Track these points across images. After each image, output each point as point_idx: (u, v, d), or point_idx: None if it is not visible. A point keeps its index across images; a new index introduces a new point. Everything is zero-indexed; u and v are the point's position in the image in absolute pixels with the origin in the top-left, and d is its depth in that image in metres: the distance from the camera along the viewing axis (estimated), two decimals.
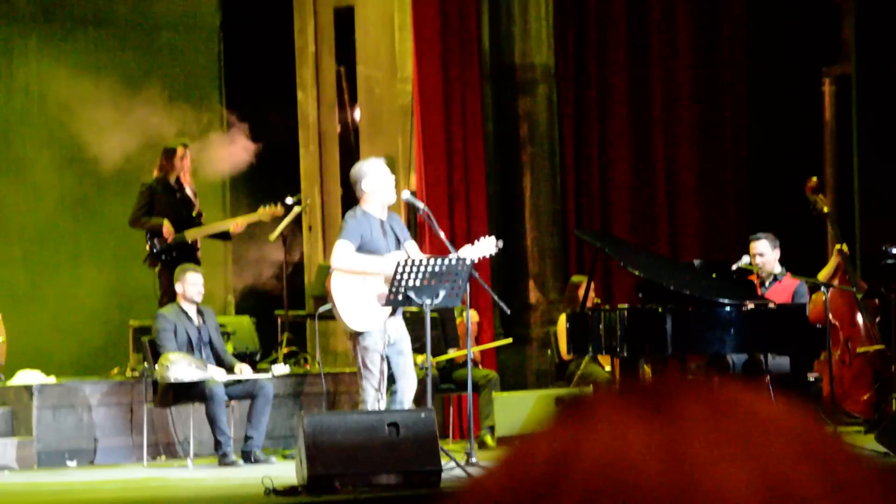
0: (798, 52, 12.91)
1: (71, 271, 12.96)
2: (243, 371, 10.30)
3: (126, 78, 13.02)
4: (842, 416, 10.57)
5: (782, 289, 10.20)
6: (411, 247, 9.20)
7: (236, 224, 11.65)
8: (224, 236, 11.81)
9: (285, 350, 11.83)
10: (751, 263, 10.16)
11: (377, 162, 9.23)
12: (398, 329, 9.14)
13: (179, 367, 10.05)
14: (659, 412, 1.20)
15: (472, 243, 9.24)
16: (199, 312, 10.51)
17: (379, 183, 9.06)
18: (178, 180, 11.60)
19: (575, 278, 11.93)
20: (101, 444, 10.78)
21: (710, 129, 13.07)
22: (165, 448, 10.84)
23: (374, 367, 8.98)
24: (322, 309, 9.45)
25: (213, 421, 10.04)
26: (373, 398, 8.98)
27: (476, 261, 9.05)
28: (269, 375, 10.34)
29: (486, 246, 9.12)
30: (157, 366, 10.14)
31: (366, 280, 8.95)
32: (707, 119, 13.06)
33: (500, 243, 9.17)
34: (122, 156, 12.25)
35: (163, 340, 10.27)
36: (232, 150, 12.14)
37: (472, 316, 10.77)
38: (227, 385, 10.20)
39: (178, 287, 10.49)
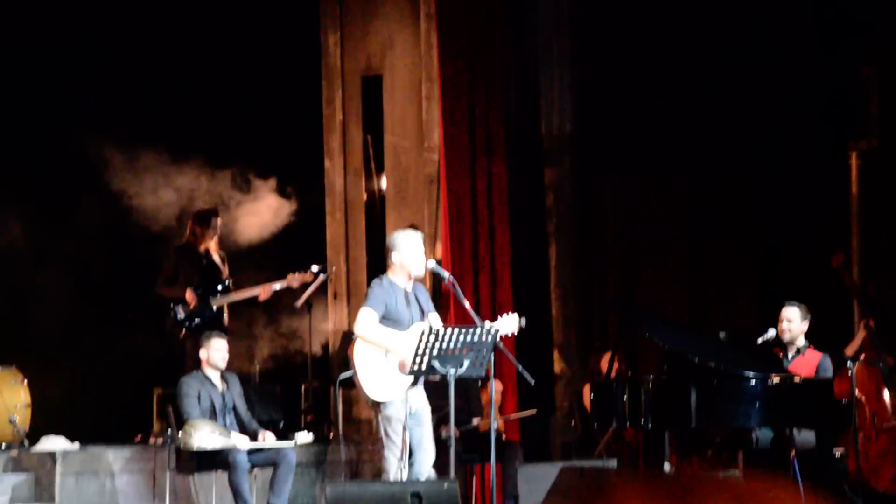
0: (825, 126, 12.92)
1: (96, 337, 12.99)
2: (266, 438, 10.29)
3: (159, 143, 13.11)
4: (868, 491, 10.48)
5: (805, 362, 10.15)
6: (435, 318, 9.21)
7: (264, 290, 11.68)
8: (252, 302, 11.83)
9: (308, 418, 11.81)
10: (776, 336, 10.11)
11: (412, 236, 9.25)
12: (419, 400, 9.14)
13: (203, 435, 10.04)
14: None
15: (497, 318, 9.23)
16: (224, 379, 10.52)
17: (410, 256, 9.12)
18: (205, 247, 11.66)
19: (599, 348, 11.92)
20: None
21: (736, 201, 13.07)
22: None
23: (397, 437, 8.97)
24: (343, 375, 9.46)
25: (235, 489, 10.02)
26: (395, 468, 8.97)
27: (500, 339, 9.06)
28: (292, 443, 10.33)
29: (510, 323, 9.13)
30: (180, 433, 10.14)
31: (391, 340, 8.97)
32: (734, 191, 13.06)
33: (524, 321, 9.17)
34: (153, 221, 12.33)
35: (186, 407, 10.27)
36: (261, 211, 12.19)
37: (497, 386, 10.75)
38: (249, 452, 10.18)
39: (202, 353, 10.51)
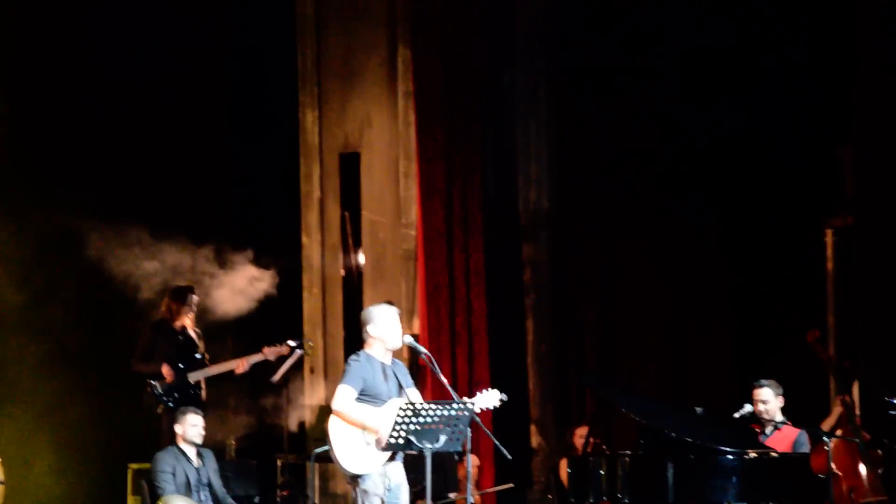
0: (800, 203, 13.01)
1: (71, 412, 12.92)
2: None
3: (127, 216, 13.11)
4: None
5: (782, 437, 10.16)
6: (414, 394, 9.20)
7: (240, 364, 11.65)
8: (228, 376, 11.80)
9: (284, 493, 11.75)
10: (753, 412, 10.12)
11: (387, 309, 9.27)
12: (398, 475, 9.10)
13: None
14: None
15: (476, 393, 9.23)
16: (199, 455, 10.47)
17: (385, 330, 9.13)
18: (181, 324, 11.65)
19: (574, 424, 11.91)
20: None
21: (713, 277, 13.13)
22: None
23: None
24: (319, 450, 9.41)
25: None
26: None
27: (478, 411, 9.05)
28: None
29: (490, 398, 9.13)
30: None
31: (368, 418, 8.95)
32: (709, 267, 13.12)
33: (504, 396, 9.17)
34: (129, 294, 12.32)
35: (161, 482, 10.22)
36: (236, 283, 12.17)
37: (473, 460, 10.72)
38: None
39: (177, 428, 10.47)
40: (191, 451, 10.43)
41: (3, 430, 11.97)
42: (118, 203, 12.89)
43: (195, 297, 11.73)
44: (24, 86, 12.86)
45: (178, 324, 11.65)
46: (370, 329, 9.16)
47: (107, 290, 12.51)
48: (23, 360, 12.88)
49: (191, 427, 10.44)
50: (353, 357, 9.20)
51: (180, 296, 11.73)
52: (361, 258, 13.43)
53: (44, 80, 12.90)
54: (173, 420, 10.67)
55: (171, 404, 11.34)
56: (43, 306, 12.85)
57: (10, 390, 12.76)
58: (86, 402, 12.94)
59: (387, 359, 9.17)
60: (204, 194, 13.58)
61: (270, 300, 12.52)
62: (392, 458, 9.03)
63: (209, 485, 10.42)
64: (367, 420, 8.93)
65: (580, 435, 11.42)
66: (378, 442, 8.91)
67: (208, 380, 11.71)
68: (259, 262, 12.65)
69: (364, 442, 8.95)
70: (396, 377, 9.15)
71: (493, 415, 11.92)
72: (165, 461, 10.32)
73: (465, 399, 9.08)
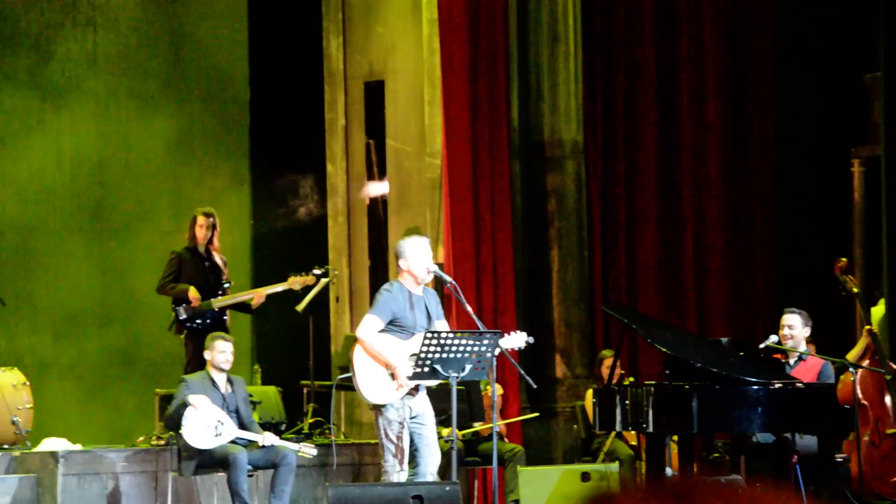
0: (827, 133, 12.95)
1: (98, 339, 12.99)
2: (266, 437, 10.28)
3: (158, 147, 13.15)
4: (871, 497, 10.48)
5: (807, 369, 10.15)
6: (441, 325, 9.21)
7: (257, 295, 11.65)
8: (245, 308, 11.80)
9: (310, 420, 11.81)
10: (778, 342, 10.11)
11: (419, 243, 9.23)
12: (422, 402, 9.13)
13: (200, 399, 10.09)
14: None
15: (498, 323, 9.24)
16: (229, 381, 10.50)
17: (417, 264, 9.10)
18: (207, 248, 11.66)
19: (602, 353, 11.93)
20: None
21: (739, 208, 13.10)
22: None
23: (395, 439, 8.97)
24: (342, 377, 9.43)
25: (234, 490, 10.01)
26: (394, 470, 8.96)
27: (506, 350, 9.07)
28: (296, 447, 10.31)
29: (516, 339, 9.14)
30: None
31: (390, 353, 8.96)
32: (736, 198, 13.09)
33: (531, 339, 9.18)
34: (152, 224, 12.35)
35: (177, 395, 10.27)
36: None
37: (497, 389, 10.75)
38: (249, 453, 10.18)
39: (206, 354, 10.51)
40: (219, 378, 10.46)
41: (28, 360, 12.04)
42: (130, 130, 12.92)
43: (210, 221, 11.67)
44: None
45: (202, 248, 11.65)
46: (402, 263, 9.15)
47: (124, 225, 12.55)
48: (44, 293, 12.95)
49: (219, 353, 10.47)
50: (385, 287, 9.20)
51: (203, 219, 11.70)
52: (386, 187, 13.41)
53: None
54: (199, 346, 10.70)
55: (195, 329, 11.38)
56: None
57: (33, 322, 12.83)
58: (110, 329, 13.00)
59: (418, 290, 9.17)
60: (226, 122, 13.57)
61: (295, 229, 12.54)
62: (415, 391, 9.04)
63: (237, 411, 10.46)
64: (387, 354, 8.95)
65: (606, 365, 11.44)
66: (395, 377, 8.93)
67: (233, 308, 11.72)
68: (283, 194, 12.64)
69: (387, 372, 8.98)
70: (427, 308, 9.15)
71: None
72: (189, 387, 10.35)
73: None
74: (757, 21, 13.24)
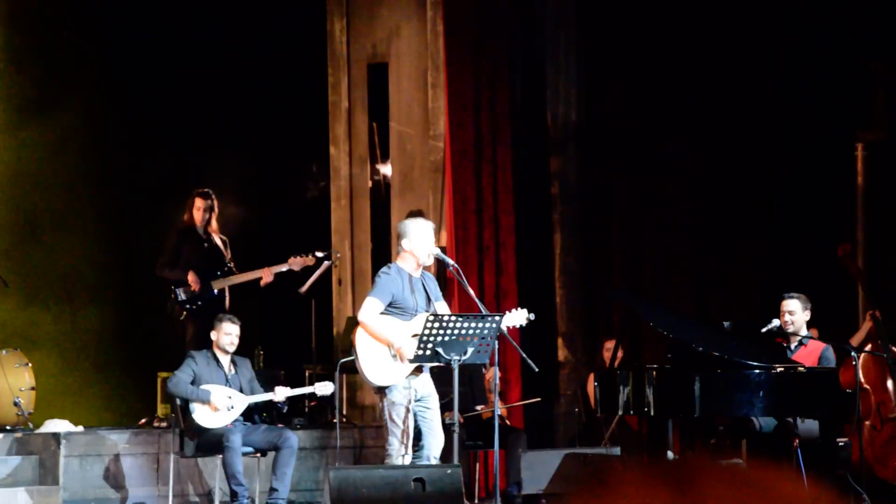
0: (831, 116, 12.92)
1: (101, 320, 13.00)
2: (277, 393, 10.34)
3: (157, 126, 13.13)
4: (872, 481, 10.49)
5: (808, 353, 10.15)
6: (442, 307, 9.21)
7: (265, 273, 11.65)
8: (254, 286, 11.80)
9: (312, 403, 11.82)
10: (780, 327, 10.11)
11: (423, 224, 9.22)
12: (426, 385, 9.14)
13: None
14: (684, 493, 1.21)
15: (501, 305, 9.23)
16: (234, 362, 10.53)
17: (419, 245, 9.09)
18: (205, 229, 11.65)
19: (605, 337, 11.93)
20: (128, 493, 10.79)
21: (741, 191, 13.08)
22: (191, 498, 10.83)
23: (400, 422, 8.97)
24: (344, 360, 9.44)
25: (228, 471, 10.04)
26: (397, 453, 8.97)
27: (505, 329, 9.06)
28: (312, 390, 10.41)
29: (517, 317, 9.13)
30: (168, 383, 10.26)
31: (391, 332, 8.97)
32: (738, 181, 13.07)
33: (532, 316, 9.17)
34: (151, 204, 12.34)
35: (178, 372, 10.30)
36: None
37: (498, 373, 10.74)
38: (250, 434, 10.21)
39: (213, 334, 10.54)
40: (224, 359, 10.49)
41: (31, 342, 12.05)
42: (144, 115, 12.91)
43: (209, 203, 11.64)
44: None
45: (201, 229, 11.63)
46: (404, 243, 9.14)
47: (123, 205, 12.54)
48: (46, 274, 12.94)
49: (224, 335, 10.49)
50: (383, 269, 9.20)
51: (201, 199, 11.67)
52: (389, 169, 13.40)
53: None
54: (198, 327, 10.70)
55: (194, 311, 11.38)
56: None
57: (35, 304, 12.83)
58: (113, 311, 13.01)
59: (417, 272, 9.17)
60: (231, 103, 13.55)
61: (298, 211, 12.53)
62: (418, 371, 9.05)
63: (240, 392, 10.48)
64: (389, 335, 8.95)
65: (607, 348, 11.44)
66: (401, 356, 8.94)
67: (235, 289, 11.73)
68: (285, 176, 12.63)
69: (390, 354, 8.98)
70: (426, 290, 9.16)
71: (521, 328, 11.98)
72: (192, 363, 10.37)
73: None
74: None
